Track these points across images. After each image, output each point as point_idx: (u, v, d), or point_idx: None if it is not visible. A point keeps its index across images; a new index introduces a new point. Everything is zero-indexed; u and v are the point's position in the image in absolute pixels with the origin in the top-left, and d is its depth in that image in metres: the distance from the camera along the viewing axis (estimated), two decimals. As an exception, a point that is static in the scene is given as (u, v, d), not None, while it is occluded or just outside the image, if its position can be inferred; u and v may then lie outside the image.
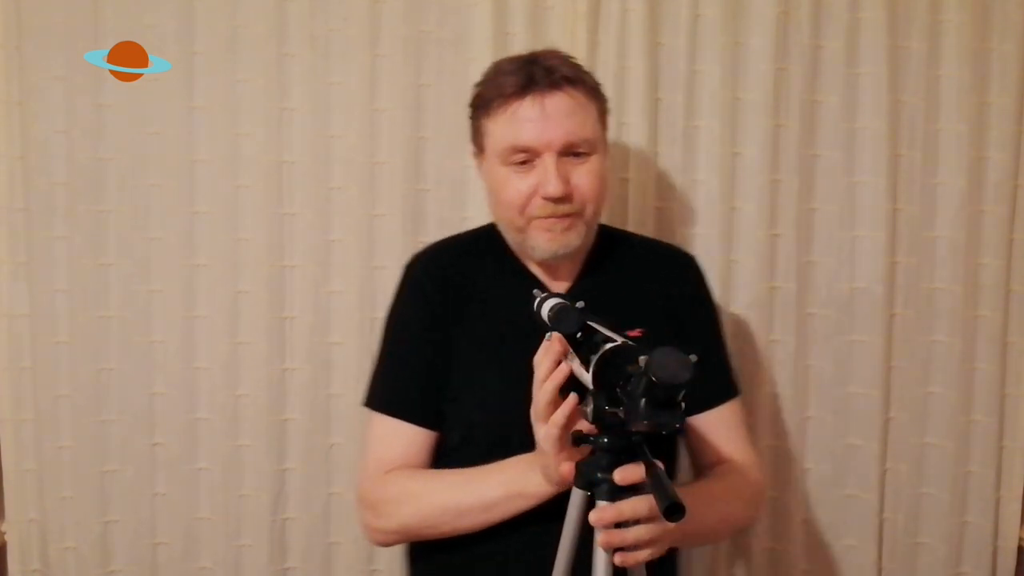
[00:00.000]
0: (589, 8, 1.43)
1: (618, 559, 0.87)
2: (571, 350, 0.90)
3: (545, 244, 1.09)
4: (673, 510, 0.81)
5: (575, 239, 1.10)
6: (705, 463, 1.19)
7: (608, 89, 1.42)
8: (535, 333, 1.01)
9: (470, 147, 1.17)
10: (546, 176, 1.05)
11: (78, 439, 1.47)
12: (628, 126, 1.46)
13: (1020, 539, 1.55)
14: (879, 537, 1.55)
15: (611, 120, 1.43)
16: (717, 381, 1.20)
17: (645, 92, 1.45)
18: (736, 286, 1.49)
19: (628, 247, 1.24)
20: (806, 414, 1.54)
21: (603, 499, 0.92)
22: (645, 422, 0.77)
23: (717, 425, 1.18)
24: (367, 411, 1.16)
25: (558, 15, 1.45)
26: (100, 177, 1.43)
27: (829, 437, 1.54)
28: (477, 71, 1.42)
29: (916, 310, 1.51)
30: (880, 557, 1.56)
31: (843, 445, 1.54)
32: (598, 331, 0.88)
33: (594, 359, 0.83)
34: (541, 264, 1.15)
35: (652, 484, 0.85)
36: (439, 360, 1.13)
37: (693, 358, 0.76)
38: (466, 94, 1.43)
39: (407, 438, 1.12)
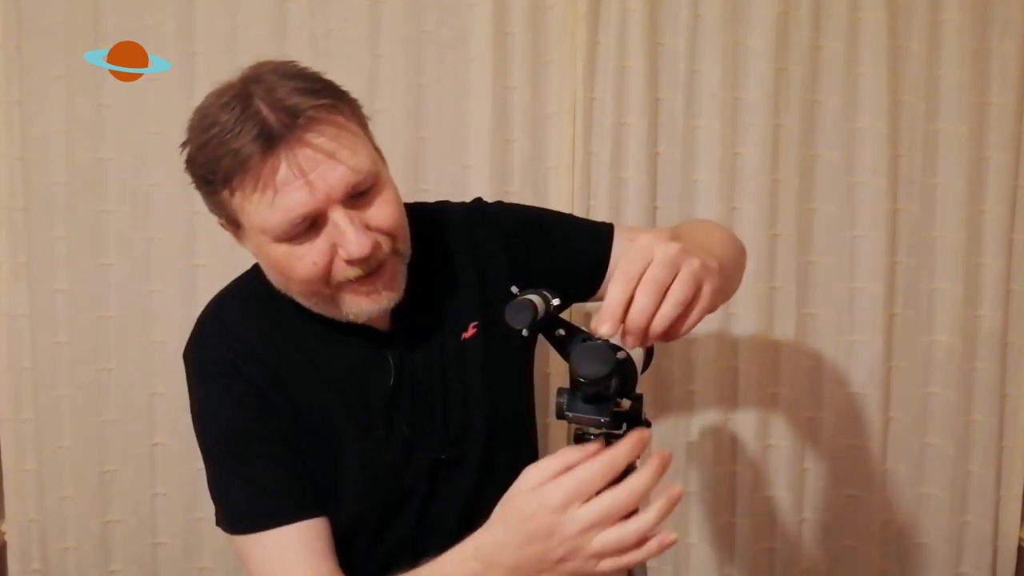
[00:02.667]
0: (589, 8, 1.43)
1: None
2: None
3: (368, 307, 0.88)
4: None
5: (401, 288, 0.90)
6: None
7: (608, 89, 1.44)
8: (381, 385, 0.94)
9: (214, 217, 0.92)
10: (343, 237, 0.82)
11: (78, 439, 1.47)
12: (628, 126, 1.46)
13: (1020, 539, 1.55)
14: (879, 537, 1.55)
15: (609, 121, 1.45)
16: (589, 236, 1.07)
17: (645, 92, 1.45)
18: (736, 286, 1.49)
19: (426, 234, 0.99)
20: (806, 414, 1.54)
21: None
22: (571, 415, 0.80)
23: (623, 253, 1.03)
24: (239, 537, 0.91)
25: (558, 15, 1.45)
26: (100, 177, 1.43)
27: (829, 437, 1.54)
28: (477, 71, 1.44)
29: (916, 310, 1.51)
30: (880, 557, 1.56)
31: (844, 445, 1.54)
32: (577, 329, 0.89)
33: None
34: None
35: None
36: (292, 441, 0.92)
37: (622, 355, 0.75)
38: (466, 94, 1.45)
39: (306, 539, 0.88)
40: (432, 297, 0.98)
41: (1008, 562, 1.55)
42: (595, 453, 0.70)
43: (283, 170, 0.79)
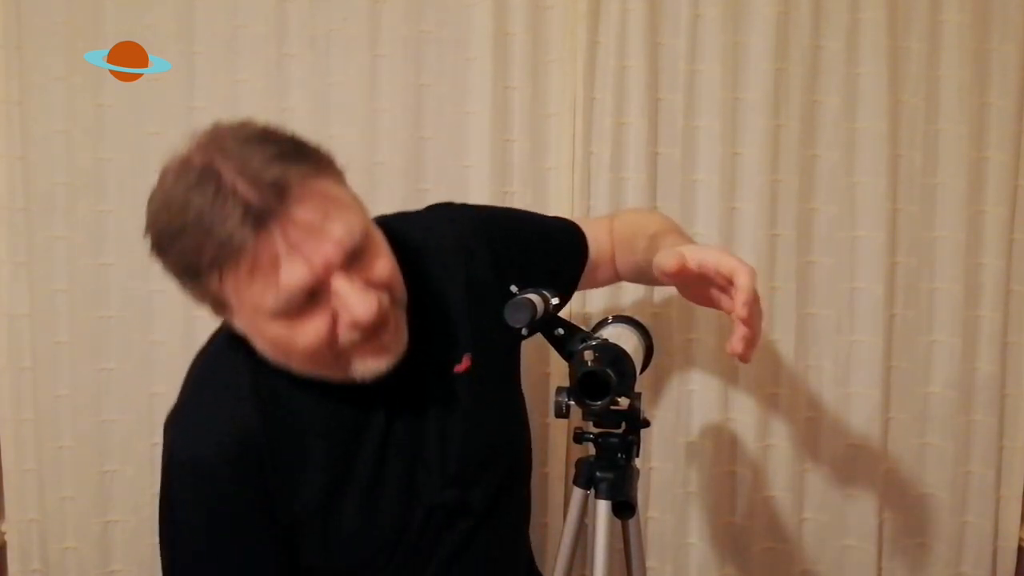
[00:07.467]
0: (589, 8, 1.43)
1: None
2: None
3: (376, 365, 0.84)
4: (623, 508, 0.89)
5: (405, 336, 0.87)
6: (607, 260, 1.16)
7: (608, 89, 1.44)
8: (372, 441, 0.91)
9: (200, 302, 0.85)
10: (347, 301, 0.78)
11: (78, 439, 1.47)
12: (628, 126, 1.46)
13: (1020, 539, 1.55)
14: (879, 537, 1.55)
15: (609, 121, 1.45)
16: (564, 239, 1.13)
17: (645, 92, 1.45)
18: (736, 286, 1.49)
19: (415, 257, 0.94)
20: (806, 414, 1.53)
21: (603, 497, 0.93)
22: (573, 402, 0.82)
23: (592, 251, 1.13)
24: None
25: (558, 15, 1.45)
26: (100, 177, 1.43)
27: (829, 437, 1.54)
28: (477, 71, 1.44)
29: (916, 310, 1.51)
30: (880, 557, 1.56)
31: (843, 445, 1.54)
32: (576, 329, 0.89)
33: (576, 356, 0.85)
34: None
35: (624, 477, 0.91)
36: (263, 542, 0.89)
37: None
38: (466, 94, 1.45)
39: None
40: (421, 335, 0.92)
41: (1008, 562, 1.55)
42: None
43: (278, 248, 0.75)
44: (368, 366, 0.84)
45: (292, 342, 0.80)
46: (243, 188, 0.73)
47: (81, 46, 1.39)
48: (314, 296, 0.78)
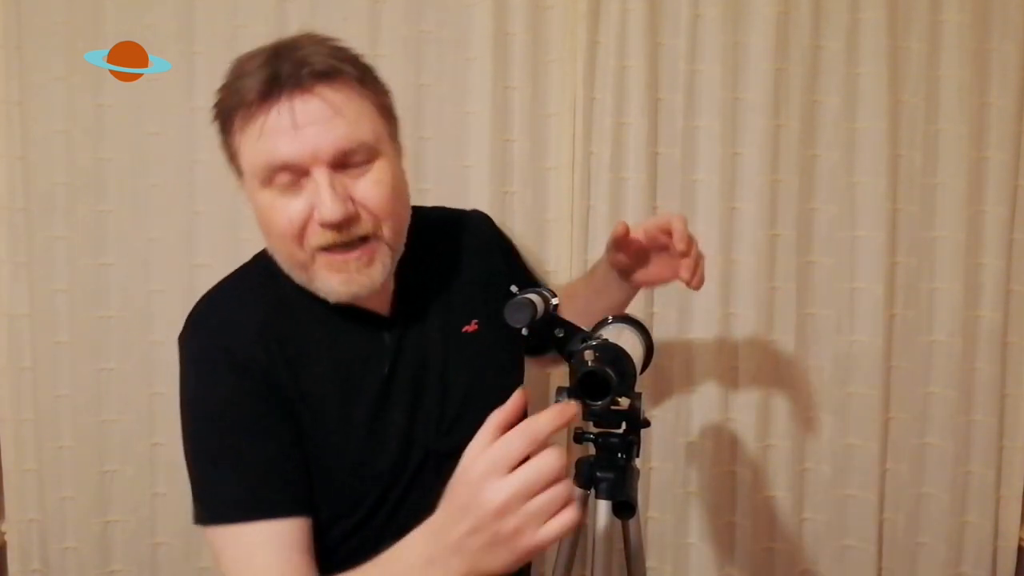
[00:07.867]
0: (589, 8, 1.43)
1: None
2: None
3: (338, 287, 0.86)
4: (623, 508, 0.90)
5: (379, 275, 0.87)
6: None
7: (608, 89, 1.44)
8: (377, 370, 0.92)
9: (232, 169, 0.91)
10: (319, 197, 0.81)
11: (78, 439, 1.47)
12: (628, 126, 1.46)
13: (1020, 539, 1.55)
14: (879, 537, 1.55)
15: (609, 121, 1.45)
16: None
17: (645, 92, 1.45)
18: (736, 286, 1.49)
19: (431, 231, 1.00)
20: (806, 414, 1.54)
21: (603, 497, 0.93)
22: (572, 400, 0.82)
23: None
24: (218, 529, 0.86)
25: (558, 15, 1.45)
26: (100, 177, 1.43)
27: (829, 437, 1.54)
28: (477, 71, 1.44)
29: (916, 310, 1.51)
30: (880, 557, 1.56)
31: (843, 445, 1.54)
32: (576, 329, 0.89)
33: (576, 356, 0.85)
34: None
35: (624, 477, 0.91)
36: (282, 434, 0.89)
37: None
38: (466, 94, 1.46)
39: (283, 538, 0.85)
40: (436, 288, 1.00)
41: (1008, 562, 1.55)
42: (515, 411, 0.69)
43: (275, 114, 0.81)
44: (331, 284, 0.86)
45: (271, 219, 0.85)
46: (283, 63, 0.81)
47: (81, 46, 1.39)
48: (300, 182, 0.83)
